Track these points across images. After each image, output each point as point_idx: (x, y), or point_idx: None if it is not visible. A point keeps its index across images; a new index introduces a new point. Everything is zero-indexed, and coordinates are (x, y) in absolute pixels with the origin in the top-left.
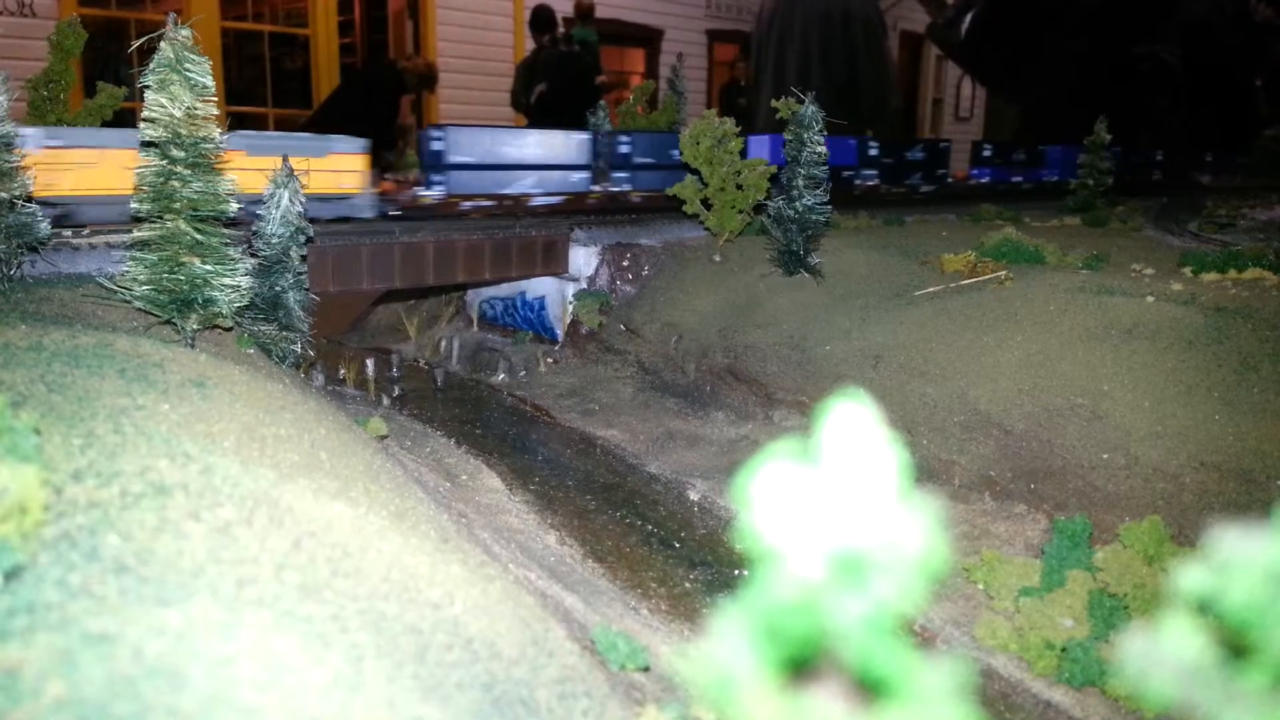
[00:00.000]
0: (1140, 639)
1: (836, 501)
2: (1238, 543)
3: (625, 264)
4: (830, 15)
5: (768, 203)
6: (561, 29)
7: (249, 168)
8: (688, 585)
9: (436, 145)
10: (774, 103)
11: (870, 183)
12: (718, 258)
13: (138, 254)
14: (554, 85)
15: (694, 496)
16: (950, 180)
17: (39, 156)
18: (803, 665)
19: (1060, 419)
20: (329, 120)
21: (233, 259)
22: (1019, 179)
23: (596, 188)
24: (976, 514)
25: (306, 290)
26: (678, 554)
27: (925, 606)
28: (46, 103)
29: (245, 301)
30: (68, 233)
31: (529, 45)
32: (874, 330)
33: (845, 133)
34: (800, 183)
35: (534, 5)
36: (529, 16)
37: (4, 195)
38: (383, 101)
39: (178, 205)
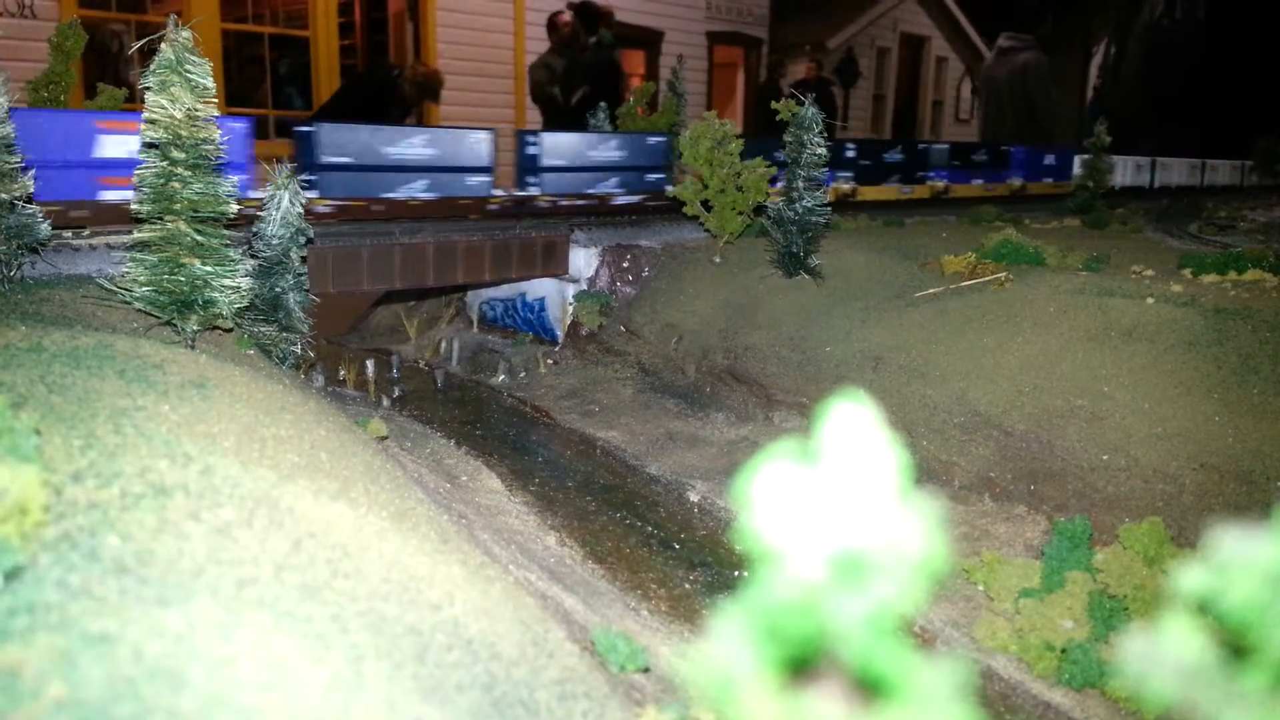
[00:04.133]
0: (1140, 640)
1: (836, 502)
2: (1237, 544)
3: (625, 265)
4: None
5: (767, 204)
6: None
7: None
8: (688, 586)
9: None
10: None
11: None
12: (718, 259)
13: (138, 255)
14: (596, 89)
15: (694, 498)
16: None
17: None
18: (803, 666)
19: (1060, 420)
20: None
21: (233, 260)
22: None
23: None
24: (976, 515)
25: (307, 291)
26: (678, 555)
27: (925, 607)
28: (47, 104)
29: (245, 303)
30: (68, 234)
31: (530, 46)
32: (874, 332)
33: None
34: (800, 184)
35: (581, 1)
36: (578, 11)
37: (4, 197)
38: (381, 108)
39: (178, 206)
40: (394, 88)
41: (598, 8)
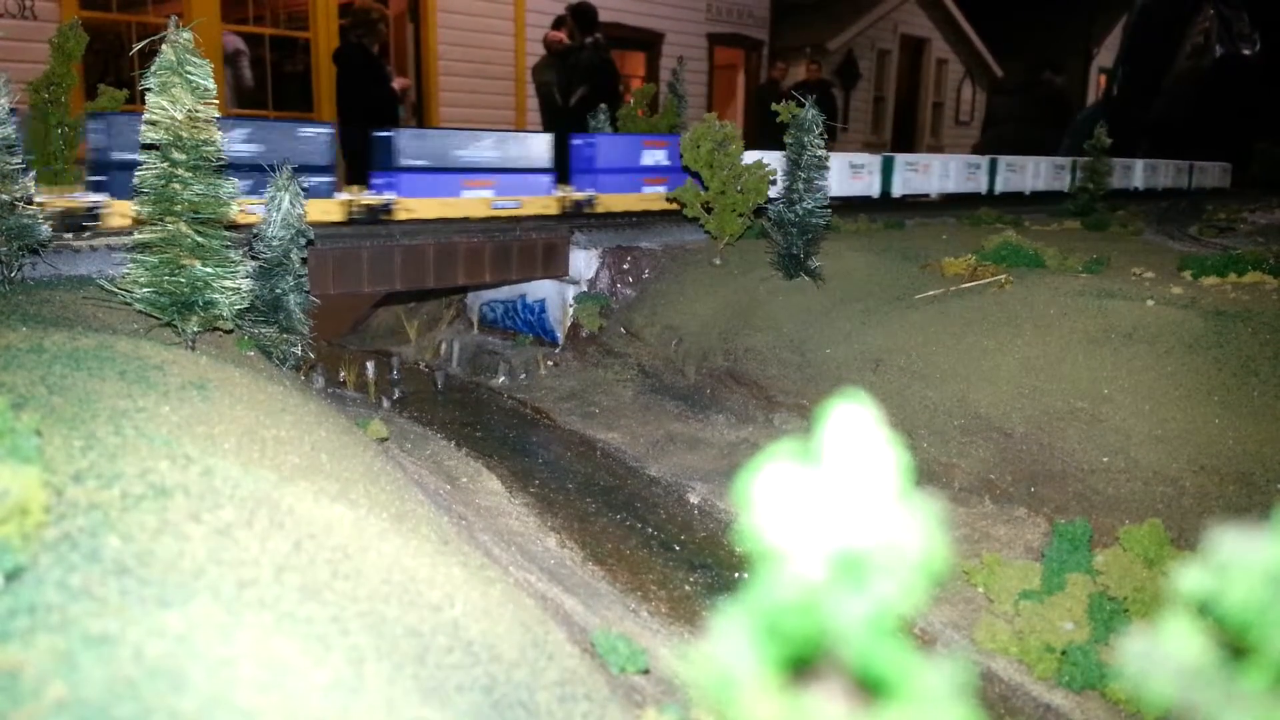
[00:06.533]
0: (1140, 642)
1: (837, 504)
2: (1237, 545)
3: (625, 267)
4: None
5: (768, 206)
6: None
7: None
8: (688, 588)
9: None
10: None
11: None
12: (718, 261)
13: (138, 256)
14: (592, 89)
15: (694, 499)
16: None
17: None
18: (803, 667)
19: (1060, 422)
20: (344, 114)
21: (233, 261)
22: None
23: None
24: (976, 517)
25: (307, 293)
26: (678, 557)
27: (925, 609)
28: (48, 105)
29: (246, 304)
30: (68, 235)
31: (530, 48)
32: (874, 333)
33: None
34: (800, 186)
35: (577, 2)
36: (574, 12)
37: (5, 198)
38: (360, 77)
39: (179, 208)
40: (363, 50)
41: (594, 8)
